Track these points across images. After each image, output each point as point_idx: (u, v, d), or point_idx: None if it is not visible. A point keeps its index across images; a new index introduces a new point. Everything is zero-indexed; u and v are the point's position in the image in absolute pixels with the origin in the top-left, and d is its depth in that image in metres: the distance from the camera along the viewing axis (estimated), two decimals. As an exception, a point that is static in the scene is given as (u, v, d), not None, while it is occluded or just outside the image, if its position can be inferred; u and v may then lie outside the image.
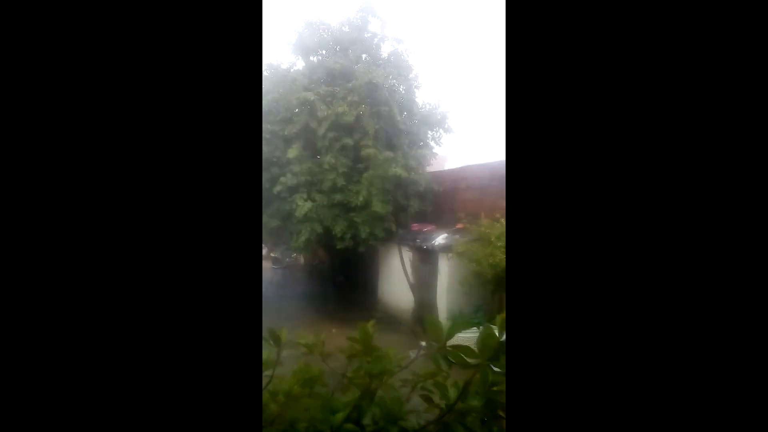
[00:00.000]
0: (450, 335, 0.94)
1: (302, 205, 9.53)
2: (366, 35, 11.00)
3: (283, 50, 11.79)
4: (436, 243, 8.91)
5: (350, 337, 1.23)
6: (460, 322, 1.03)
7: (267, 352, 1.00)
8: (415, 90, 11.05)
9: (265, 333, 1.01)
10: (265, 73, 10.62)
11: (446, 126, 11.21)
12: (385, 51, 11.15)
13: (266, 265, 15.53)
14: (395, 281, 10.53)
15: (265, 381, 1.00)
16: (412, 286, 9.85)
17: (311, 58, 11.05)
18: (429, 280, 9.30)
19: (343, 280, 12.71)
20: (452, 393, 0.98)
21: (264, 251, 16.92)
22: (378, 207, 9.41)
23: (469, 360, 0.92)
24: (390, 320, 9.42)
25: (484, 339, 0.90)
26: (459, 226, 9.21)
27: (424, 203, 10.69)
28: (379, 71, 10.12)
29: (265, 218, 10.09)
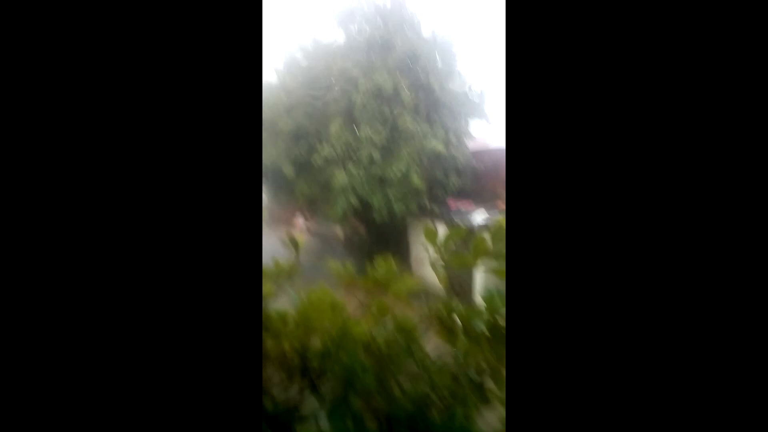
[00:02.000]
0: (447, 241, 0.95)
1: (338, 176, 9.62)
2: (407, 11, 10.81)
3: (326, 24, 11.81)
4: (473, 220, 8.82)
5: (370, 269, 1.24)
6: (457, 230, 1.05)
7: (287, 258, 1.03)
8: (456, 65, 10.84)
9: (284, 238, 1.04)
10: (308, 47, 10.71)
11: (484, 109, 10.96)
12: (425, 28, 10.94)
13: (305, 234, 15.94)
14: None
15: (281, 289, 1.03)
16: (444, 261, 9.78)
17: (352, 30, 10.99)
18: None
19: (378, 253, 12.83)
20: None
21: (302, 221, 17.32)
22: (415, 181, 9.38)
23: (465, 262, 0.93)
24: (421, 295, 9.44)
25: (477, 243, 0.90)
26: (500, 204, 9.08)
27: (462, 179, 10.56)
28: (419, 42, 9.97)
29: (303, 186, 10.28)
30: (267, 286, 1.02)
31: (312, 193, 10.42)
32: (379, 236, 12.31)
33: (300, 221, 17.24)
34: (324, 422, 0.88)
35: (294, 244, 1.06)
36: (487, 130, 12.79)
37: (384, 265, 1.23)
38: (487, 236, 0.93)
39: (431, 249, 1.05)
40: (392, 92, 9.62)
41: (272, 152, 9.94)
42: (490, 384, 0.98)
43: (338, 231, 16.25)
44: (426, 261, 1.13)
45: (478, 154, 10.82)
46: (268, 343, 0.99)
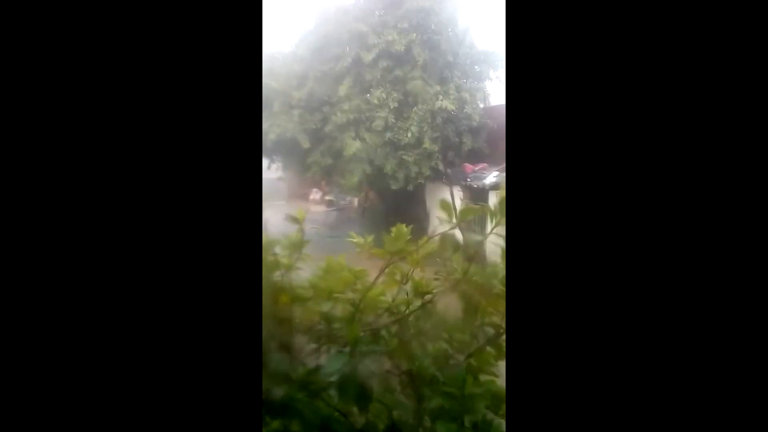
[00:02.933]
0: (463, 216, 0.99)
1: (351, 144, 9.60)
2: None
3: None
4: (488, 181, 8.76)
5: (387, 239, 1.28)
6: (470, 209, 1.09)
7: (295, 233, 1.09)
8: (468, 21, 10.60)
9: (285, 216, 1.10)
10: (319, 12, 10.54)
11: (497, 67, 10.72)
12: None
13: (321, 208, 16.06)
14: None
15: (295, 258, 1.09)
16: (461, 226, 9.79)
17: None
18: (479, 219, 9.22)
19: (395, 220, 12.88)
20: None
21: (318, 195, 17.39)
22: (427, 143, 9.34)
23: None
24: (437, 259, 9.48)
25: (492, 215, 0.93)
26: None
27: (477, 140, 10.44)
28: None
29: (318, 157, 10.30)
30: (289, 259, 1.08)
31: (327, 164, 10.42)
32: (396, 202, 12.33)
33: (317, 195, 17.31)
34: (350, 384, 0.93)
35: (294, 221, 1.13)
36: (499, 88, 12.52)
37: (401, 235, 1.27)
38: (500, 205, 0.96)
39: (445, 218, 1.09)
40: (404, 52, 9.46)
41: (288, 125, 9.92)
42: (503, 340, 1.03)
43: (355, 201, 16.32)
44: (443, 225, 1.17)
45: (491, 110, 10.66)
46: (296, 312, 1.05)
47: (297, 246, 1.06)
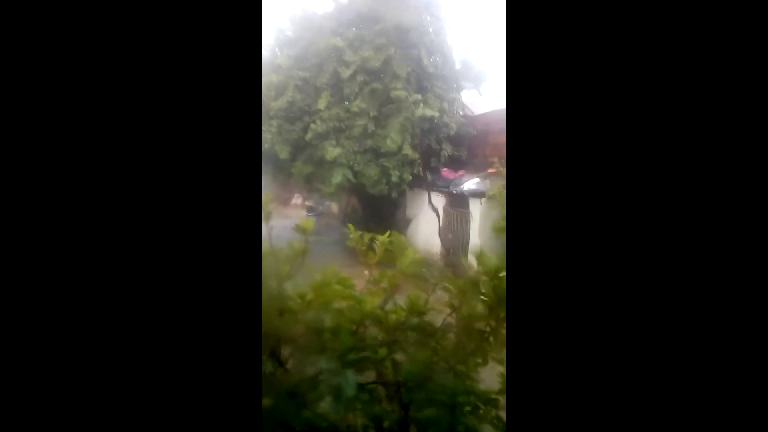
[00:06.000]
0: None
1: (332, 150, 9.65)
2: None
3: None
4: (467, 188, 8.87)
5: (379, 238, 1.30)
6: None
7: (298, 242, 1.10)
8: (447, 33, 10.73)
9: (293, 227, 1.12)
10: (297, 22, 10.54)
11: (479, 76, 10.89)
12: None
13: (302, 212, 16.06)
14: (426, 227, 10.62)
15: (296, 269, 1.10)
16: (442, 232, 9.93)
17: (342, 3, 10.77)
18: (460, 226, 9.35)
19: (375, 226, 12.90)
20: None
21: (299, 201, 17.38)
22: (408, 151, 9.44)
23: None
24: (422, 268, 9.50)
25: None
26: (491, 170, 9.10)
27: (457, 148, 10.59)
28: (408, 13, 9.82)
29: (299, 165, 10.31)
30: (284, 268, 1.10)
31: (308, 171, 10.43)
32: (375, 208, 12.36)
33: (298, 200, 17.32)
34: (339, 395, 0.94)
35: (303, 230, 1.15)
36: (478, 98, 12.73)
37: (395, 242, 1.29)
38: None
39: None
40: (382, 65, 9.54)
41: (266, 135, 9.91)
42: (489, 345, 1.06)
43: (334, 206, 16.32)
44: (422, 231, 1.19)
45: (472, 119, 10.83)
46: (286, 323, 1.07)
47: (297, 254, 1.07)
